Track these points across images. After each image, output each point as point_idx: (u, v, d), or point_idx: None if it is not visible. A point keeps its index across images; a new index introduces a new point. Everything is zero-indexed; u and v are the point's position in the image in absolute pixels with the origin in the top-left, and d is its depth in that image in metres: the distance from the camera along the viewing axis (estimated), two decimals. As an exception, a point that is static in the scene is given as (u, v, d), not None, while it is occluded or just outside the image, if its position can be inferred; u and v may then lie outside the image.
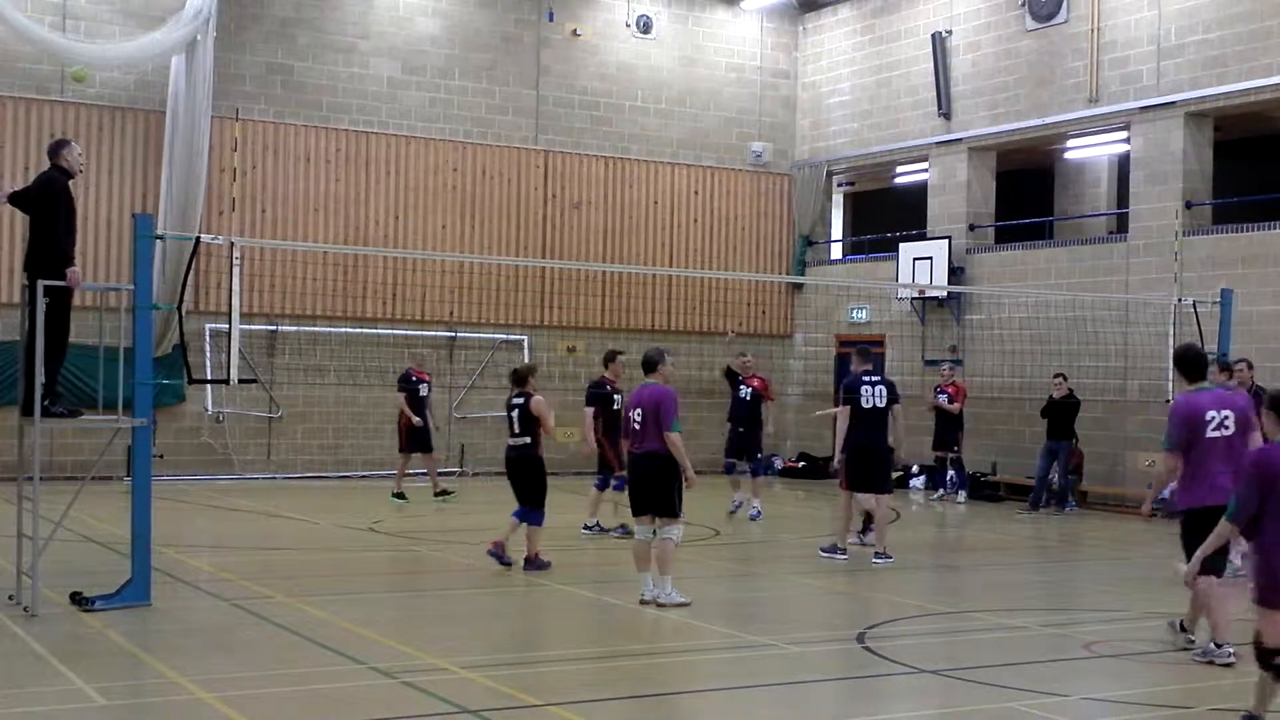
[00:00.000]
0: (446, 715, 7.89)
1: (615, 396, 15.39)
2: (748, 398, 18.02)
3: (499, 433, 24.42)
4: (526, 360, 23.99)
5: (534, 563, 13.03)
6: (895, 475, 24.09)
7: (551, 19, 24.91)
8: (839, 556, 14.33)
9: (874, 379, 14.60)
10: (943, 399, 21.53)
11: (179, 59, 21.59)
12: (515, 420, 13.13)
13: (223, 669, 8.86)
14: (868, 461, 14.44)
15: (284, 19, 23.01)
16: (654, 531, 11.28)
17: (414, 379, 19.47)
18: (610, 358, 16.01)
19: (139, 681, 8.61)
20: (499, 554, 13.05)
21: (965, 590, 13.52)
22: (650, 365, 11.57)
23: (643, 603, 11.13)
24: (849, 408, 14.39)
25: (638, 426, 11.29)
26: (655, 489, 11.22)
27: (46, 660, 8.87)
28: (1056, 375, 20.19)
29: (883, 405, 14.37)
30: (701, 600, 12.41)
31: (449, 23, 24.27)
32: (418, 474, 20.47)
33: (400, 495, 19.24)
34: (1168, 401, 16.71)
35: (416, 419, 19.13)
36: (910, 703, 8.72)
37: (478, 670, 8.85)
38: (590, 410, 15.55)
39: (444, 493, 19.51)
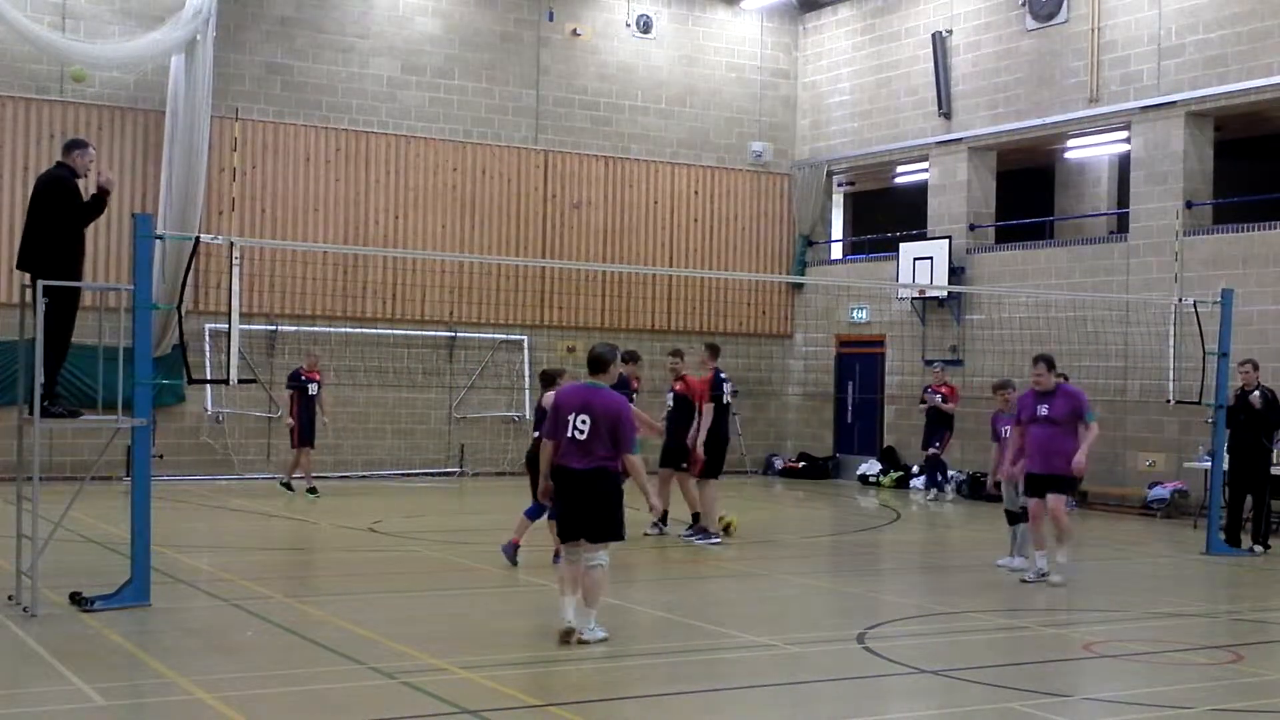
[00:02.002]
0: (446, 715, 7.89)
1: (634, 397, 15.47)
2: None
3: (498, 433, 24.67)
4: (526, 360, 24.04)
5: (512, 548, 13.17)
6: (897, 475, 24.30)
7: (551, 19, 24.91)
8: (715, 541, 14.96)
9: (725, 375, 15.64)
10: (937, 399, 21.66)
11: (179, 59, 21.59)
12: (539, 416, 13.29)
13: (222, 669, 8.85)
14: (724, 452, 15.62)
15: (284, 19, 23.01)
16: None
17: (303, 378, 19.95)
18: (630, 358, 15.82)
19: (139, 681, 8.60)
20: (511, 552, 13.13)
21: (965, 590, 13.49)
22: (602, 364, 9.82)
23: (564, 631, 9.66)
24: (714, 404, 15.34)
25: (581, 436, 9.55)
26: (602, 512, 9.62)
27: (46, 660, 8.86)
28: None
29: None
30: (702, 600, 12.41)
31: (449, 23, 24.26)
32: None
33: (288, 486, 20.12)
34: (1168, 401, 16.78)
35: (289, 420, 19.88)
36: (910, 703, 8.71)
37: (478, 670, 8.84)
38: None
39: (313, 490, 19.80)
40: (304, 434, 19.89)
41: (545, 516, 13.09)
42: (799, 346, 27.04)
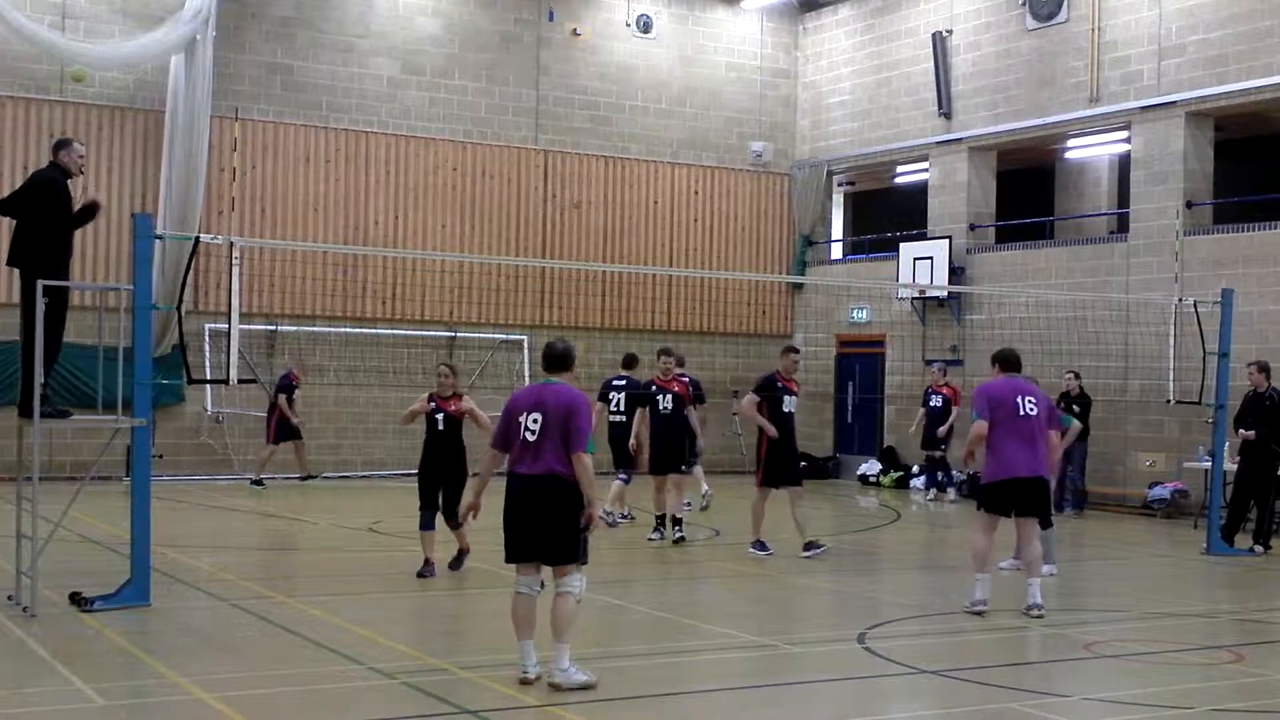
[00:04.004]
0: (446, 715, 7.89)
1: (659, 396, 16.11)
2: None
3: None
4: (526, 360, 24.00)
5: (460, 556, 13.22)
6: (897, 475, 24.28)
7: (552, 19, 24.91)
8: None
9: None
10: (937, 400, 21.45)
11: (179, 59, 21.59)
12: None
13: (223, 669, 8.85)
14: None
15: (284, 18, 23.01)
16: (542, 584, 8.65)
17: (292, 382, 21.01)
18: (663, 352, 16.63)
19: (139, 681, 8.60)
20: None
21: (965, 590, 13.49)
22: (560, 360, 8.81)
23: (524, 681, 8.42)
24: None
25: (532, 437, 8.49)
26: (554, 526, 8.42)
27: (46, 660, 8.86)
28: (1069, 372, 19.95)
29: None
30: (702, 600, 12.42)
31: (449, 22, 24.26)
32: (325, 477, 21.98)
33: (259, 483, 20.78)
34: (1168, 401, 16.77)
35: (296, 419, 20.88)
36: (910, 703, 8.71)
37: (478, 670, 8.84)
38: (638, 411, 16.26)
39: (309, 477, 21.39)
40: (290, 430, 20.86)
41: (419, 525, 13.03)
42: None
